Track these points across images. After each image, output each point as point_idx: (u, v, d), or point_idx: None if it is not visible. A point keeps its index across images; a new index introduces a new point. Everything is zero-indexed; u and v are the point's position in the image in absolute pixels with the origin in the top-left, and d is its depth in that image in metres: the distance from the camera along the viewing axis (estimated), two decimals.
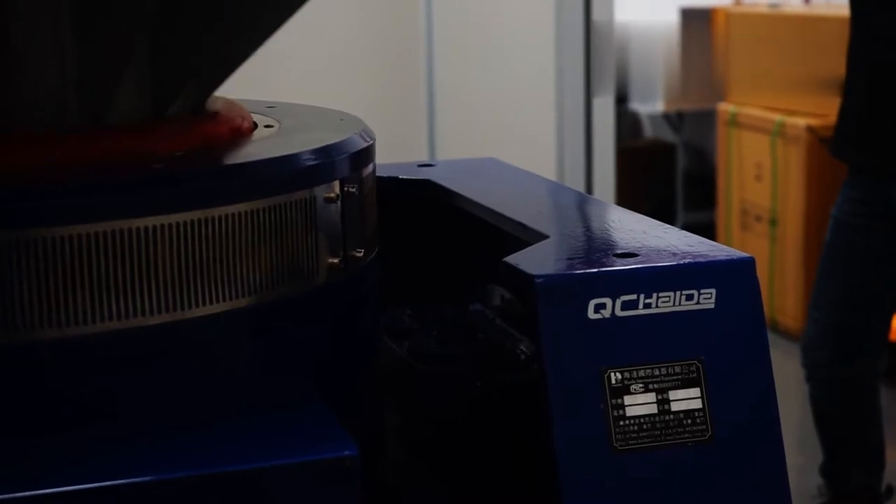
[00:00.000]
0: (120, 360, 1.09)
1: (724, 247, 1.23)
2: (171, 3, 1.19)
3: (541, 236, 1.30)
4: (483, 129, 4.00)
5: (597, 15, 3.51)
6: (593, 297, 1.14)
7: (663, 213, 5.57)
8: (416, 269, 1.63)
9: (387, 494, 1.35)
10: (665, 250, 1.22)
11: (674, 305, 1.16)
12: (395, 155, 1.65)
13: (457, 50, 4.05)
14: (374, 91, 3.99)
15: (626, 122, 6.39)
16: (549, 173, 3.57)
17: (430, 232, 1.65)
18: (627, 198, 3.87)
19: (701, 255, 1.20)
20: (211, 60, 1.28)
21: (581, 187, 3.59)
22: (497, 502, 1.36)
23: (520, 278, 1.16)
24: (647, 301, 1.15)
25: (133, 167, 1.14)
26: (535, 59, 3.77)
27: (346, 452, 1.04)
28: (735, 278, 1.18)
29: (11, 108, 1.18)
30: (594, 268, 1.17)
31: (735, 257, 1.20)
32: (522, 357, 1.42)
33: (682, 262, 1.18)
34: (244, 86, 1.45)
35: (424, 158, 3.86)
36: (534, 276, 1.14)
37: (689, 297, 1.16)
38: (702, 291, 1.16)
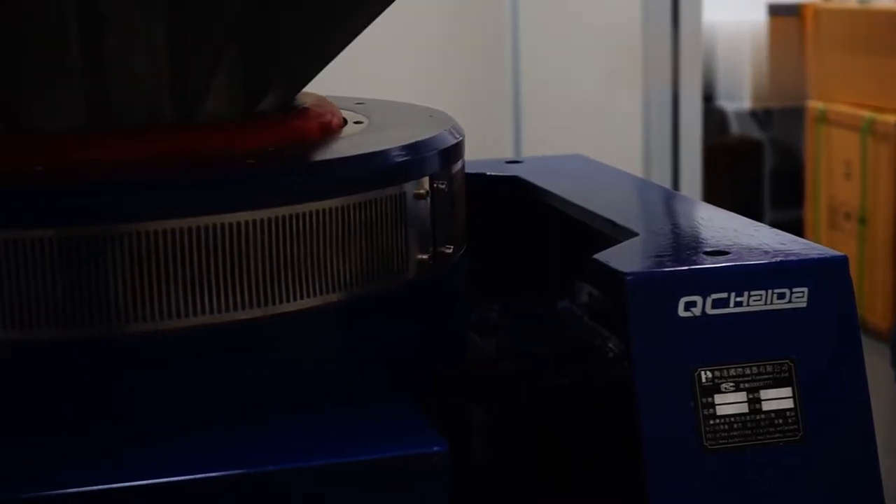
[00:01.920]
0: (211, 354, 1.10)
1: (817, 245, 1.22)
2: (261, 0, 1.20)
3: (630, 233, 1.29)
4: (569, 126, 3.99)
5: (685, 13, 3.49)
6: (684, 295, 1.13)
7: (750, 211, 5.52)
8: (502, 266, 1.63)
9: (471, 493, 1.35)
10: (756, 248, 1.20)
11: (765, 304, 1.15)
12: (480, 152, 1.65)
13: (543, 47, 4.04)
14: (460, 88, 3.99)
15: (713, 119, 6.34)
16: (636, 171, 3.55)
17: (517, 229, 1.65)
18: (713, 195, 3.84)
19: (793, 254, 1.18)
20: (301, 57, 1.29)
21: (667, 185, 3.57)
22: (583, 501, 1.36)
23: (610, 276, 1.16)
24: (739, 299, 1.14)
25: (225, 163, 1.15)
26: (622, 55, 3.75)
27: (436, 449, 1.04)
28: (828, 277, 1.17)
29: (105, 107, 1.19)
30: (684, 265, 1.16)
31: (828, 256, 1.18)
32: (611, 355, 1.41)
33: (773, 260, 1.17)
34: (331, 83, 1.46)
35: (510, 155, 3.86)
36: (624, 274, 1.13)
37: (781, 296, 1.15)
38: (794, 290, 1.15)
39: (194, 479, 1.01)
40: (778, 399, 1.14)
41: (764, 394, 1.13)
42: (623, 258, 1.19)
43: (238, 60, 1.22)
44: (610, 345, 1.43)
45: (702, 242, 1.25)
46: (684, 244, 1.25)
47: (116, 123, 1.20)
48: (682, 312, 1.13)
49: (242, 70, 1.23)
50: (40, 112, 1.19)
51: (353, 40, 1.31)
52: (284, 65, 1.27)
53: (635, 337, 1.13)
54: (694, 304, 1.13)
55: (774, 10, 6.05)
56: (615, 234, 1.32)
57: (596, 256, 1.19)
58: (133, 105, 1.20)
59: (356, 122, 1.36)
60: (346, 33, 1.29)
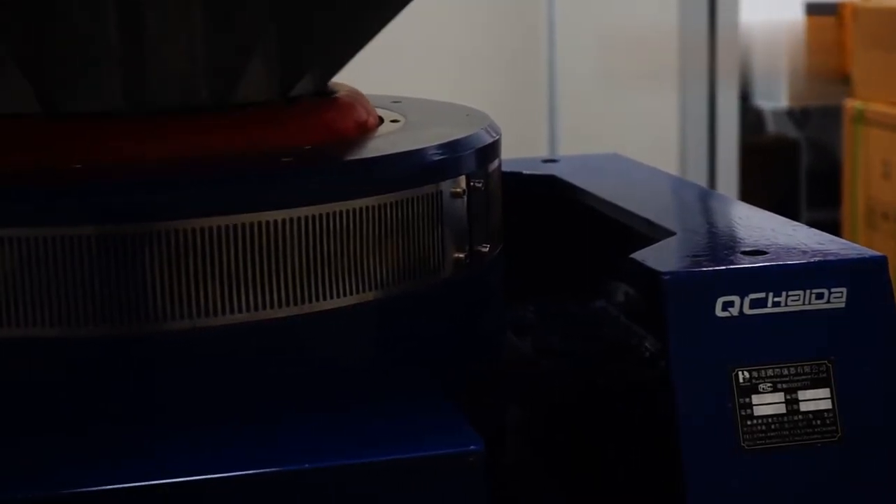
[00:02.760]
0: (248, 352, 1.11)
1: (855, 245, 1.21)
2: None
3: (667, 232, 1.29)
4: (605, 125, 3.98)
5: (722, 12, 3.48)
6: (721, 295, 1.13)
7: (786, 211, 5.49)
8: (538, 265, 1.63)
9: (506, 493, 1.34)
10: (794, 248, 1.20)
11: (803, 304, 1.14)
12: (515, 151, 1.65)
13: (579, 45, 4.04)
14: (496, 86, 3.99)
15: (749, 118, 6.32)
16: (672, 170, 3.54)
17: (553, 227, 1.65)
18: (749, 195, 3.82)
19: (831, 254, 1.18)
20: (337, 38, 1.28)
21: (703, 184, 3.56)
22: (620, 501, 1.35)
23: (646, 275, 1.15)
24: (776, 299, 1.14)
25: (262, 160, 1.15)
26: (659, 54, 3.74)
27: (472, 447, 1.04)
28: (867, 277, 1.16)
29: (141, 90, 1.20)
30: (722, 265, 1.16)
31: (867, 256, 1.18)
32: (647, 355, 1.41)
33: (812, 260, 1.16)
34: (367, 81, 1.46)
35: (544, 154, 3.85)
36: (661, 273, 1.13)
37: (819, 296, 1.15)
38: (832, 290, 1.15)
39: (232, 476, 1.01)
40: (816, 400, 1.13)
41: (802, 394, 1.13)
42: (660, 257, 1.18)
43: (274, 42, 1.22)
44: (646, 344, 1.43)
45: (739, 242, 1.24)
46: (721, 243, 1.25)
47: (153, 107, 1.20)
48: (719, 312, 1.13)
49: (278, 52, 1.23)
50: (76, 95, 1.19)
51: (391, 19, 1.31)
52: (320, 46, 1.27)
53: (672, 337, 1.12)
54: (731, 303, 1.13)
55: (812, 10, 6.02)
56: (652, 233, 1.32)
57: (633, 256, 1.18)
58: (169, 88, 1.21)
59: (392, 121, 1.36)
60: (384, 12, 1.29)
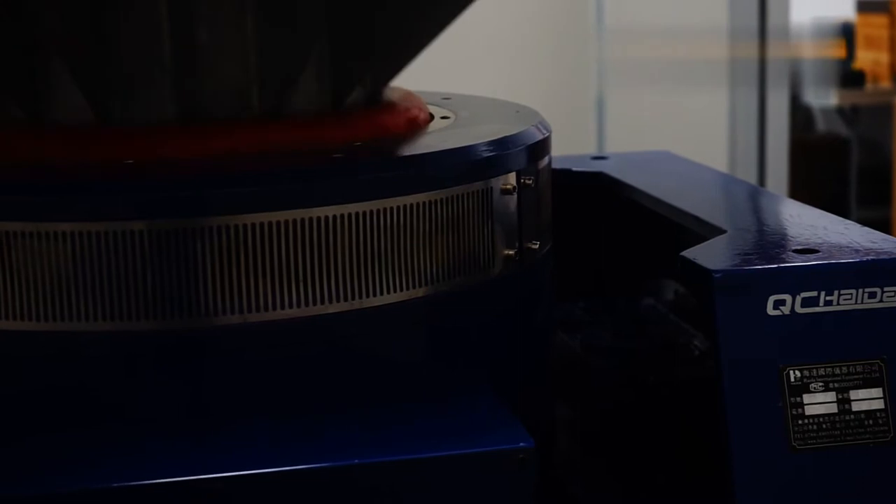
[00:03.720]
0: (299, 347, 1.11)
1: None
2: None
3: (717, 230, 1.29)
4: (654, 122, 3.97)
5: (772, 10, 3.46)
6: (772, 293, 1.12)
7: (836, 209, 5.45)
8: (587, 262, 1.63)
9: (556, 490, 1.34)
10: (847, 247, 1.19)
11: (855, 303, 1.13)
12: (563, 148, 1.64)
13: (627, 42, 4.03)
14: (544, 83, 3.98)
15: (799, 115, 6.28)
16: (721, 168, 3.53)
17: (602, 225, 1.64)
18: (799, 192, 3.80)
19: (885, 253, 1.17)
20: (389, 51, 1.29)
21: (753, 182, 3.54)
22: (668, 499, 1.35)
23: (697, 273, 1.15)
24: (829, 298, 1.13)
25: (313, 157, 1.16)
26: (708, 51, 3.72)
27: (522, 444, 1.04)
28: None
29: (194, 101, 1.21)
30: (773, 263, 1.15)
31: None
32: (696, 353, 1.40)
33: (864, 259, 1.15)
34: (416, 79, 1.46)
35: (592, 151, 3.85)
36: (711, 271, 1.13)
37: (872, 295, 1.14)
38: (885, 289, 1.14)
39: (284, 471, 1.02)
40: (868, 399, 1.12)
41: (854, 394, 1.12)
42: (711, 255, 1.18)
43: (327, 54, 1.23)
44: (695, 342, 1.42)
45: (790, 240, 1.23)
46: (773, 242, 1.24)
47: (205, 117, 1.21)
48: (770, 311, 1.12)
49: (331, 64, 1.23)
50: (131, 105, 1.20)
51: (441, 33, 1.31)
52: (372, 59, 1.28)
53: (723, 335, 1.12)
54: (783, 302, 1.12)
55: (863, 7, 5.97)
56: (702, 230, 1.31)
57: (683, 254, 1.18)
58: (222, 99, 1.21)
59: (443, 118, 1.36)
60: (434, 25, 1.29)
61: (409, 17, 1.26)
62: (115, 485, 1.00)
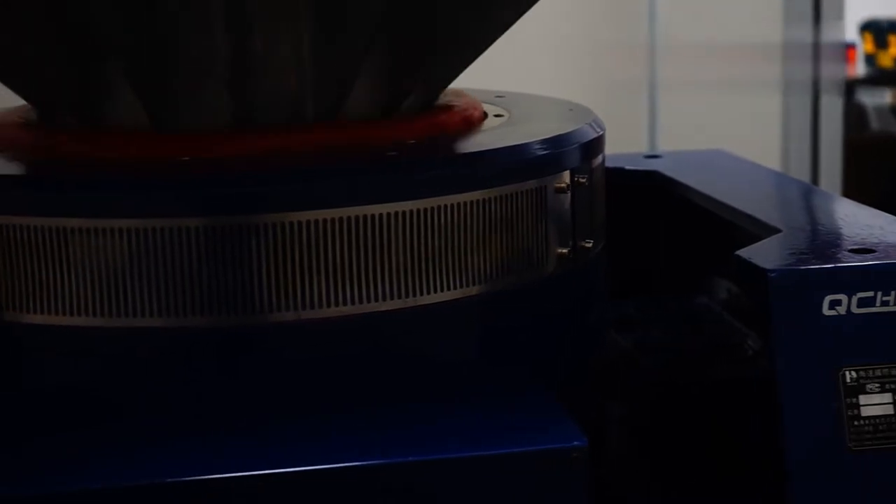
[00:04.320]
0: (352, 344, 1.11)
1: None
2: (407, 3, 1.20)
3: (772, 230, 1.28)
4: (706, 121, 3.95)
5: (826, 9, 3.43)
6: (828, 293, 1.11)
7: (889, 208, 5.40)
8: (640, 261, 1.62)
9: (607, 490, 1.34)
10: None
11: None
12: (615, 147, 1.64)
13: (681, 41, 4.01)
14: (596, 81, 3.97)
15: (852, 114, 6.23)
16: (773, 167, 3.51)
17: (655, 223, 1.64)
18: (852, 191, 3.77)
19: None
20: (444, 59, 1.29)
21: (806, 180, 3.52)
22: (717, 499, 1.34)
23: (752, 272, 1.14)
24: (885, 298, 1.12)
25: (367, 155, 1.16)
26: (762, 50, 3.70)
27: (576, 443, 1.04)
28: None
29: (250, 107, 1.21)
30: (829, 263, 1.14)
31: None
32: (749, 353, 1.39)
33: None
34: (468, 77, 1.46)
35: (644, 149, 3.83)
36: (767, 271, 1.12)
37: None
38: None
39: (332, 468, 1.02)
40: None
41: None
42: (766, 255, 1.17)
43: (381, 61, 1.23)
44: (749, 342, 1.41)
45: (846, 239, 1.23)
46: (828, 241, 1.23)
47: (260, 123, 1.21)
48: (826, 311, 1.11)
49: (386, 71, 1.23)
50: (186, 112, 1.21)
51: (497, 38, 1.31)
52: (428, 68, 1.28)
53: (778, 335, 1.11)
54: (839, 302, 1.11)
55: None
56: (757, 230, 1.31)
57: (738, 253, 1.17)
58: (276, 106, 1.22)
59: (496, 116, 1.36)
60: (492, 30, 1.29)
61: (467, 24, 1.25)
62: (161, 481, 1.00)
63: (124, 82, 1.18)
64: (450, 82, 1.34)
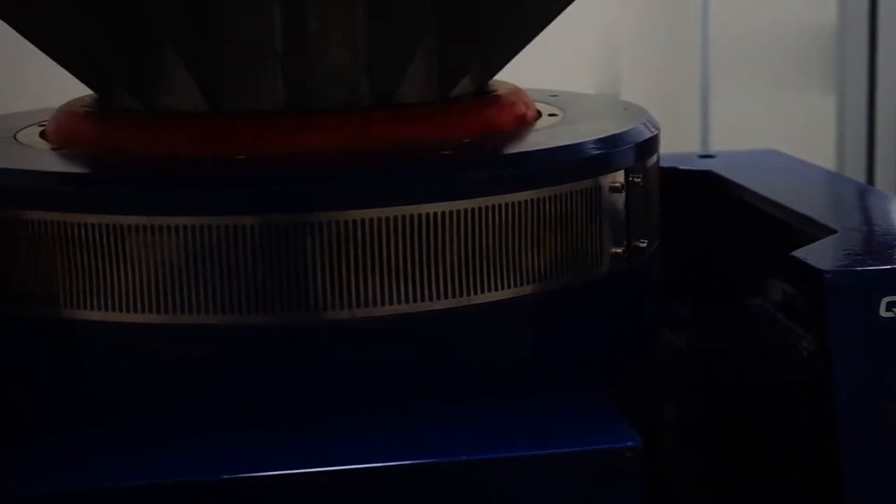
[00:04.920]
0: (406, 342, 1.11)
1: None
2: None
3: (828, 230, 1.27)
4: (760, 120, 3.93)
5: (883, 7, 3.41)
6: (886, 295, 1.11)
7: None
8: (694, 261, 1.61)
9: (659, 490, 1.34)
10: None
11: None
12: (667, 145, 1.64)
13: (732, 37, 3.99)
14: (648, 80, 3.96)
15: None
16: (828, 166, 3.48)
17: (709, 223, 1.63)
18: None
19: None
20: (497, 40, 1.29)
21: (862, 181, 3.49)
22: (771, 499, 1.34)
23: (808, 273, 1.14)
24: None
25: (422, 153, 1.16)
26: (818, 48, 3.68)
27: (629, 444, 1.04)
28: None
29: (304, 90, 1.22)
30: (886, 264, 1.14)
31: None
32: (804, 354, 1.39)
33: None
34: (516, 74, 1.46)
35: (695, 148, 3.81)
36: (823, 272, 1.11)
37: None
38: None
39: (386, 466, 1.02)
40: None
41: None
42: (822, 256, 1.16)
43: (435, 44, 1.23)
44: (804, 343, 1.41)
45: None
46: (885, 242, 1.23)
47: (314, 106, 1.22)
48: (883, 312, 1.11)
49: (439, 54, 1.24)
50: (242, 94, 1.22)
51: (550, 22, 1.30)
52: (481, 47, 1.28)
53: (833, 337, 1.11)
54: None
55: None
56: (812, 230, 1.30)
57: (794, 254, 1.17)
58: (331, 88, 1.22)
59: (550, 115, 1.36)
60: (544, 13, 1.29)
61: (519, 5, 1.26)
62: (222, 477, 1.01)
63: (180, 63, 1.19)
64: (502, 66, 1.34)
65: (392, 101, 1.23)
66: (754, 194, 1.48)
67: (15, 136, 1.29)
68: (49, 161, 1.19)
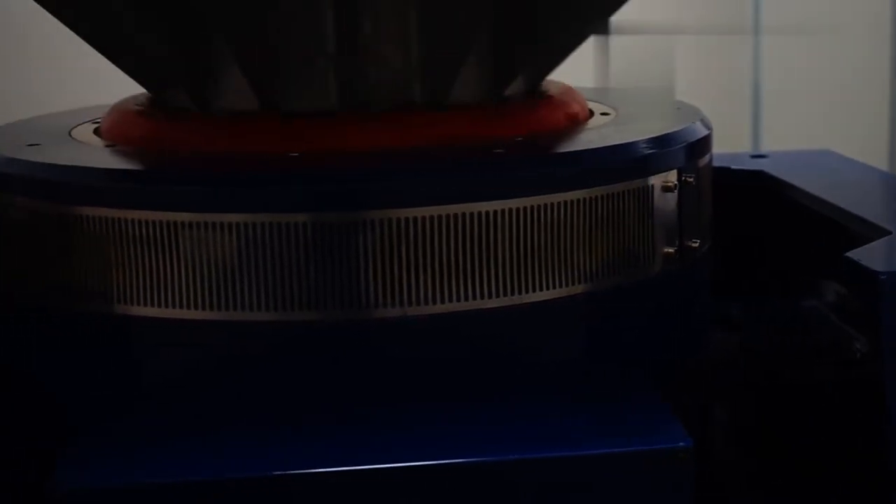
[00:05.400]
0: (457, 341, 1.12)
1: None
2: None
3: (882, 231, 1.26)
4: (811, 120, 3.91)
5: None
6: None
7: None
8: (746, 261, 1.61)
9: (710, 490, 1.33)
10: None
11: None
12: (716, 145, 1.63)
13: (785, 39, 3.97)
14: (698, 78, 3.94)
15: None
16: (881, 166, 3.46)
17: (760, 223, 1.62)
18: None
19: None
20: (550, 41, 1.29)
21: None
22: (822, 500, 1.33)
23: (861, 274, 1.13)
24: None
25: (474, 152, 1.16)
26: (871, 45, 3.65)
27: (681, 444, 1.03)
28: None
29: (357, 90, 1.22)
30: None
31: None
32: (857, 355, 1.38)
33: None
34: (565, 70, 1.46)
35: (745, 148, 3.79)
36: (877, 273, 1.11)
37: None
38: None
39: (440, 464, 1.02)
40: None
41: None
42: (876, 257, 1.16)
43: (488, 45, 1.23)
44: (856, 344, 1.40)
45: None
46: None
47: (367, 106, 1.22)
48: None
49: (493, 54, 1.24)
50: (295, 94, 1.22)
51: (606, 21, 1.30)
52: (535, 48, 1.28)
53: (887, 337, 1.10)
54: None
55: None
56: (866, 231, 1.29)
57: (848, 255, 1.16)
58: (384, 89, 1.23)
59: (603, 113, 1.36)
60: (598, 13, 1.29)
61: (575, 5, 1.25)
62: (275, 473, 1.01)
63: (233, 63, 1.20)
64: (556, 66, 1.34)
65: (445, 100, 1.23)
66: (807, 195, 1.47)
67: (70, 134, 1.31)
68: (104, 158, 1.20)
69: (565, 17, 1.26)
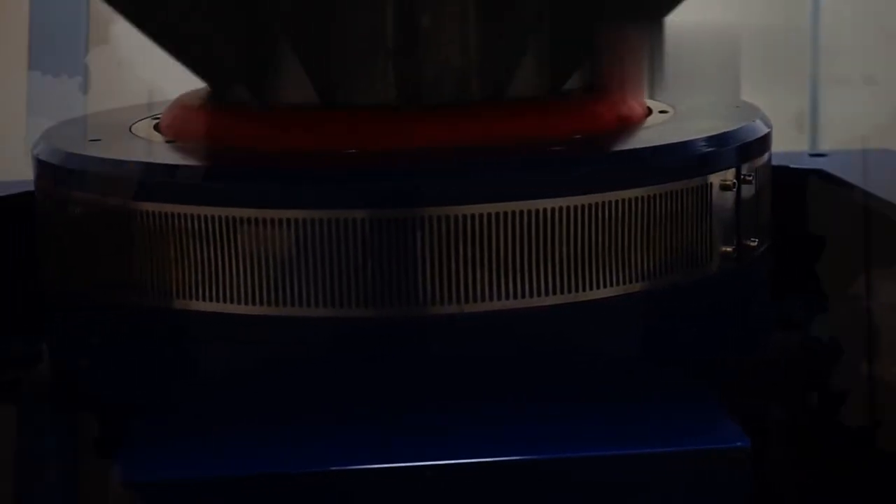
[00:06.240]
0: (514, 338, 1.12)
1: None
2: None
3: None
4: (868, 119, 3.87)
5: None
6: None
7: None
8: (804, 260, 1.60)
9: (767, 491, 1.32)
10: None
11: None
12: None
13: (844, 33, 3.94)
14: (752, 74, 3.92)
15: None
16: None
17: (820, 223, 1.61)
18: None
19: None
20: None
21: None
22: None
23: None
24: None
25: (532, 149, 1.16)
26: None
27: (739, 444, 1.03)
28: None
29: (415, 84, 1.22)
30: None
31: None
32: None
33: None
34: None
35: (798, 147, 3.76)
36: None
37: None
38: None
39: (497, 461, 1.02)
40: None
41: None
42: None
43: (546, 40, 1.23)
44: None
45: None
46: None
47: (425, 101, 1.22)
48: None
49: (551, 49, 1.24)
50: (354, 88, 1.23)
51: (665, 17, 1.30)
52: (591, 46, 1.28)
53: None
54: None
55: None
56: None
57: None
58: (442, 83, 1.23)
59: (661, 111, 1.35)
60: (660, 8, 1.28)
61: (631, 5, 1.25)
62: (330, 468, 1.02)
63: (293, 57, 1.21)
64: None
65: (503, 95, 1.23)
66: (867, 194, 1.46)
67: (130, 129, 1.32)
68: (164, 154, 1.21)
69: (626, 13, 1.26)
